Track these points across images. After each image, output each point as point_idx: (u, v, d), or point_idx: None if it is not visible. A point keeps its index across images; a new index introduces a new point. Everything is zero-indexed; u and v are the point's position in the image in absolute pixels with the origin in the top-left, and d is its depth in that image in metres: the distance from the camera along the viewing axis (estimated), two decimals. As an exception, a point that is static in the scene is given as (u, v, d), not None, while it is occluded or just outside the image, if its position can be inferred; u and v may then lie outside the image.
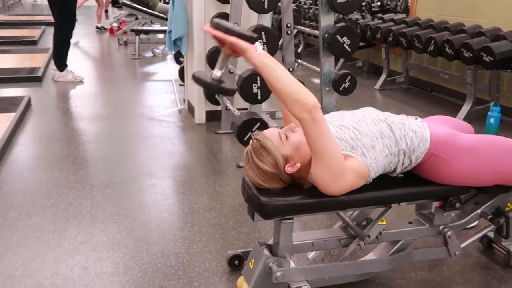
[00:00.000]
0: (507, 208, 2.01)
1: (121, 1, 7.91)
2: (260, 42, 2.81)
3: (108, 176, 2.96)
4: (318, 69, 3.48)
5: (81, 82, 5.49)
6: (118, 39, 8.43)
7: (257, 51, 1.53)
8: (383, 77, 5.56)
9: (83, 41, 8.58)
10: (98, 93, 5.19)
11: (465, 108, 4.25)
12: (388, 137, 1.68)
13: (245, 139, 2.94)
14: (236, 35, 1.52)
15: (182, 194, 2.76)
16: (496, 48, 3.76)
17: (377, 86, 5.54)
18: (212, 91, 1.56)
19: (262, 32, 2.94)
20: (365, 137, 1.65)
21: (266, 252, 1.74)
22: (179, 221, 2.45)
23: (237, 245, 2.22)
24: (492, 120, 3.68)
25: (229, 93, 1.63)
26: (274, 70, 1.53)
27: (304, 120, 1.52)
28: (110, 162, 3.22)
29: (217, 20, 1.56)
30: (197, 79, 1.62)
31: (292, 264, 1.81)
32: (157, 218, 2.47)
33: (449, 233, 1.91)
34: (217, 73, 1.59)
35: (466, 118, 4.16)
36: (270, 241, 1.81)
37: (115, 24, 9.49)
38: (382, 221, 1.81)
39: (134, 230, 2.34)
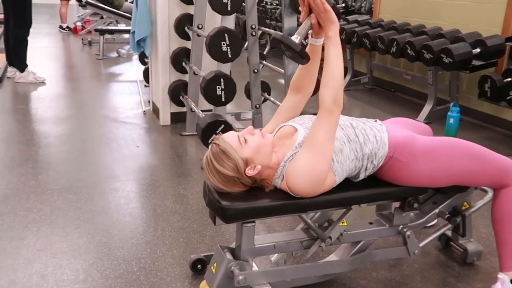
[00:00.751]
0: (463, 207, 2.07)
1: (84, 0, 7.75)
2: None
3: (69, 180, 2.90)
4: (282, 70, 3.49)
5: (43, 83, 5.35)
6: (82, 39, 8.25)
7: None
8: (347, 77, 5.63)
9: (46, 40, 8.36)
10: (60, 94, 5.07)
11: (427, 108, 4.35)
12: (354, 141, 1.71)
13: (209, 141, 2.91)
14: (331, 5, 1.58)
15: (145, 198, 2.73)
16: (455, 49, 3.86)
17: (342, 86, 5.60)
18: (294, 53, 1.59)
19: (225, 34, 2.93)
20: (335, 140, 1.66)
21: (228, 255, 1.74)
22: (142, 225, 2.42)
23: (201, 249, 2.21)
24: (451, 120, 3.78)
25: (307, 58, 1.65)
26: (340, 56, 1.63)
27: (325, 109, 1.59)
28: (71, 166, 3.15)
29: None
30: (278, 40, 1.63)
31: (255, 267, 1.81)
32: (120, 223, 2.43)
33: (408, 232, 1.95)
34: (296, 39, 1.62)
35: (428, 118, 4.27)
36: (233, 245, 1.81)
37: (79, 24, 9.30)
38: (343, 223, 1.83)
39: (96, 235, 2.30)
